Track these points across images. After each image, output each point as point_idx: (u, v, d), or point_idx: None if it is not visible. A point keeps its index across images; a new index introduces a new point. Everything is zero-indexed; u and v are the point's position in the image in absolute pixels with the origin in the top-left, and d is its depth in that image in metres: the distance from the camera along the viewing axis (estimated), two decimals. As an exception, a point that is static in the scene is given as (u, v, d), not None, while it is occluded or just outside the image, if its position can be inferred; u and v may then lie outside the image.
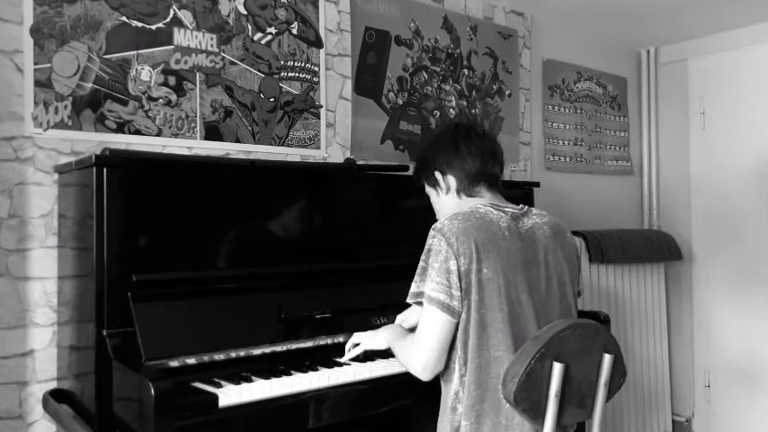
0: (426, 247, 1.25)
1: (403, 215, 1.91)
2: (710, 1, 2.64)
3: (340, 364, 1.44)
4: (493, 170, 1.37)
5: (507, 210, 1.31)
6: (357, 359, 1.48)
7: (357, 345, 1.48)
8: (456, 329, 1.22)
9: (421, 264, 1.25)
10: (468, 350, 1.21)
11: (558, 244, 1.32)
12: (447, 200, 1.39)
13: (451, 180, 1.37)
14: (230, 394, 1.25)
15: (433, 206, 1.45)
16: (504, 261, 1.22)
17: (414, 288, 1.26)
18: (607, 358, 1.23)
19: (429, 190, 1.44)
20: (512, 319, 1.21)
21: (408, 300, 1.27)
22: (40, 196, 1.56)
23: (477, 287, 1.20)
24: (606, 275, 2.69)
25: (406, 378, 1.32)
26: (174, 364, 1.33)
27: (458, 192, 1.37)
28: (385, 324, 1.64)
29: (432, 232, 1.26)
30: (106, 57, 1.65)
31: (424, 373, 1.23)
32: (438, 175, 1.38)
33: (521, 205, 1.35)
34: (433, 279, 1.21)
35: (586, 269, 2.60)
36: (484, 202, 1.32)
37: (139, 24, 1.71)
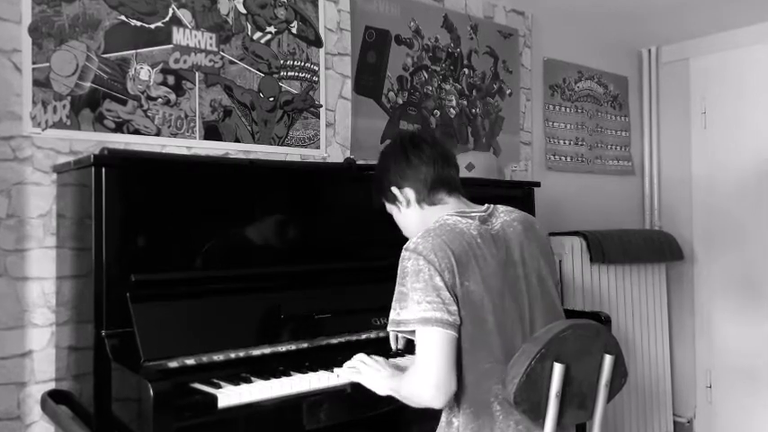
0: (400, 269, 1.19)
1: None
2: (712, 0, 2.63)
3: (338, 366, 1.43)
4: (449, 174, 1.34)
5: (474, 214, 1.27)
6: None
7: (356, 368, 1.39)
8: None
9: (398, 288, 1.19)
10: (461, 365, 1.18)
11: (530, 239, 1.28)
12: (410, 213, 1.34)
13: (409, 192, 1.33)
14: (229, 395, 1.25)
15: (397, 223, 1.41)
16: (482, 270, 1.19)
17: (393, 315, 1.19)
18: (608, 359, 1.22)
19: (390, 207, 1.39)
20: (499, 329, 1.18)
21: (389, 328, 1.20)
22: (38, 196, 1.56)
23: (464, 301, 1.17)
24: (607, 276, 2.68)
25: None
26: (173, 364, 1.32)
27: (418, 202, 1.32)
28: (384, 325, 1.63)
29: (405, 253, 1.20)
30: (105, 56, 1.65)
31: (438, 393, 1.14)
32: (395, 190, 1.34)
33: (486, 205, 1.32)
34: (422, 300, 1.14)
35: (587, 269, 2.59)
36: (449, 211, 1.28)
37: (138, 23, 1.70)
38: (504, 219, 1.29)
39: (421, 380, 1.16)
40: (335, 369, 1.41)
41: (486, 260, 1.20)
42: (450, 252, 1.17)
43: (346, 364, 1.41)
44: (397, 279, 1.21)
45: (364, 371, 1.37)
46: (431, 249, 1.17)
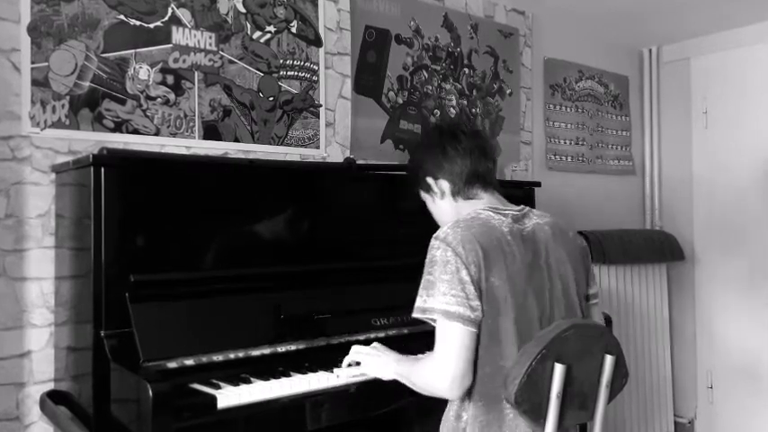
0: (429, 257, 1.20)
1: (403, 215, 1.89)
2: (713, -1, 2.62)
3: (338, 366, 1.42)
4: (485, 168, 1.33)
5: (507, 212, 1.28)
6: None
7: (357, 363, 1.40)
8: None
9: (426, 276, 1.20)
10: (477, 359, 1.18)
11: (559, 244, 1.28)
12: (443, 204, 1.36)
13: (444, 184, 1.34)
14: (229, 396, 1.24)
15: (430, 212, 1.41)
16: (509, 267, 1.19)
17: (420, 303, 1.19)
18: (609, 359, 1.22)
19: (424, 196, 1.41)
20: (518, 328, 1.18)
21: (415, 314, 1.20)
22: (37, 196, 1.55)
23: (487, 296, 1.17)
24: (608, 276, 2.68)
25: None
26: (172, 365, 1.31)
27: (453, 195, 1.34)
28: (385, 325, 1.63)
29: (434, 242, 1.21)
30: (104, 55, 1.64)
31: (453, 386, 1.15)
32: (430, 180, 1.35)
33: (521, 206, 1.32)
34: (447, 292, 1.15)
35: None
36: (482, 206, 1.29)
37: (137, 23, 1.70)
38: (536, 221, 1.29)
39: (438, 372, 1.17)
40: (335, 369, 1.40)
41: (513, 258, 1.20)
42: (479, 246, 1.17)
43: (345, 360, 1.40)
44: (425, 266, 1.21)
45: (366, 360, 1.37)
46: (460, 241, 1.17)
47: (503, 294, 1.17)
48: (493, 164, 1.36)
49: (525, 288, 1.20)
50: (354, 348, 1.41)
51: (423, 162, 1.37)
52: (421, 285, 1.21)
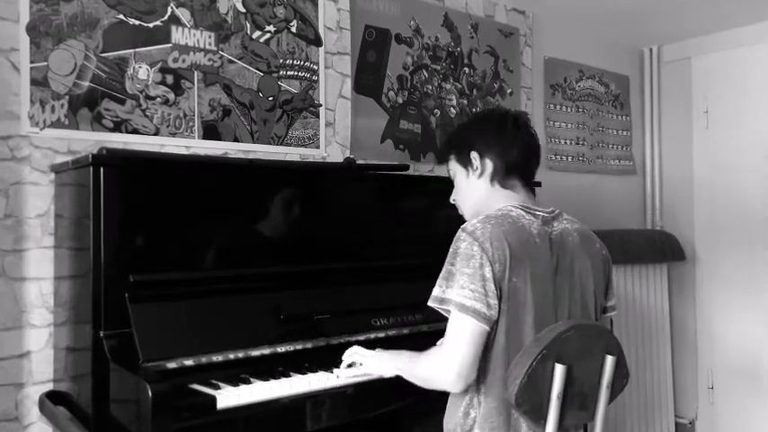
0: (453, 248, 1.17)
1: (403, 215, 1.89)
2: (714, -1, 2.62)
3: (338, 367, 1.42)
4: (532, 167, 1.31)
5: (539, 213, 1.25)
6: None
7: (357, 363, 1.39)
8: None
9: (447, 267, 1.17)
10: (490, 359, 1.17)
11: (585, 253, 1.26)
12: (478, 183, 1.30)
13: (488, 164, 1.28)
14: (228, 396, 1.24)
15: (456, 188, 1.35)
16: (533, 270, 1.17)
17: (437, 292, 1.17)
18: (609, 360, 1.21)
19: (457, 168, 1.34)
20: (535, 332, 1.17)
21: (431, 303, 1.18)
22: (36, 196, 1.55)
23: (508, 296, 1.15)
24: (608, 276, 2.67)
25: (405, 380, 1.29)
26: (171, 365, 1.31)
27: (492, 178, 1.28)
28: (385, 325, 1.63)
29: (461, 234, 1.18)
30: (103, 55, 1.64)
31: (459, 379, 1.14)
32: (475, 155, 1.29)
33: (551, 208, 1.29)
34: (466, 286, 1.13)
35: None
36: (516, 203, 1.25)
37: (137, 22, 1.70)
38: (565, 226, 1.27)
39: (445, 364, 1.15)
40: (335, 370, 1.40)
41: (539, 261, 1.18)
42: (507, 245, 1.15)
43: (344, 360, 1.39)
44: (448, 257, 1.18)
45: (366, 360, 1.36)
46: (488, 237, 1.15)
47: (524, 297, 1.16)
48: (537, 168, 1.33)
49: (546, 292, 1.19)
50: (350, 350, 1.40)
51: (474, 135, 1.31)
52: (440, 275, 1.18)
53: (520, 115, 1.34)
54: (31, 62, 1.54)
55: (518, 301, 1.16)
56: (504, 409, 1.18)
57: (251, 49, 1.90)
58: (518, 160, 1.28)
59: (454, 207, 1.40)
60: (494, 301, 1.13)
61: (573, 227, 1.28)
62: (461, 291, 1.14)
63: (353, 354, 1.39)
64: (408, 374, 1.26)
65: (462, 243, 1.17)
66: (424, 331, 1.65)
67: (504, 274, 1.14)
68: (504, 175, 1.28)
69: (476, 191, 1.31)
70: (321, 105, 2.05)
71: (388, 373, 1.31)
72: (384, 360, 1.33)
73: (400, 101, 2.27)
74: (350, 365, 1.39)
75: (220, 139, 1.83)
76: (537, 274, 1.17)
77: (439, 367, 1.17)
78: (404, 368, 1.27)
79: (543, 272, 1.18)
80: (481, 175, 1.29)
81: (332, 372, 1.40)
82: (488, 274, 1.13)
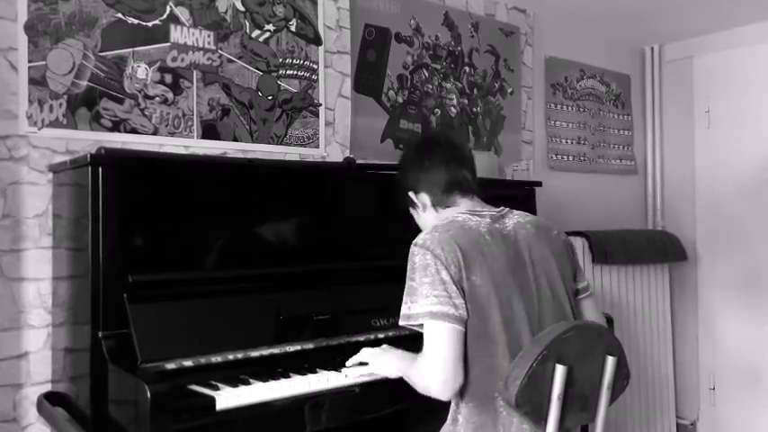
0: (410, 264, 1.22)
1: (403, 215, 1.88)
2: (715, -2, 2.61)
3: (338, 367, 1.41)
4: (462, 175, 1.35)
5: (485, 213, 1.29)
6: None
7: (364, 363, 1.40)
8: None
9: (408, 283, 1.21)
10: (466, 360, 1.18)
11: (542, 241, 1.29)
12: (427, 216, 1.38)
13: (424, 197, 1.37)
14: (228, 397, 1.23)
15: (418, 225, 1.44)
16: (490, 266, 1.20)
17: (404, 310, 1.21)
18: (610, 360, 1.21)
19: (411, 211, 1.44)
20: (505, 326, 1.18)
21: (401, 323, 1.22)
22: (34, 196, 1.55)
23: (470, 296, 1.17)
24: (609, 276, 2.66)
25: (405, 381, 1.29)
26: (170, 366, 1.31)
27: (434, 206, 1.36)
28: (385, 326, 1.62)
29: (413, 248, 1.23)
30: (102, 54, 1.63)
31: (445, 388, 1.17)
32: (411, 194, 1.39)
33: (500, 207, 1.34)
34: (429, 294, 1.17)
35: (589, 270, 2.57)
36: (461, 211, 1.30)
37: (135, 21, 1.69)
38: (517, 220, 1.31)
39: (429, 374, 1.18)
40: (343, 369, 1.40)
41: (493, 257, 1.21)
42: (457, 246, 1.19)
43: (353, 359, 1.40)
44: (407, 273, 1.23)
45: (373, 359, 1.38)
46: (437, 244, 1.19)
47: (485, 293, 1.18)
48: (470, 171, 1.38)
49: (509, 286, 1.21)
50: (363, 350, 1.42)
51: (404, 177, 1.41)
52: (404, 293, 1.22)
53: (432, 137, 1.45)
54: (30, 61, 1.53)
55: (480, 298, 1.18)
56: (485, 407, 1.18)
57: (250, 48, 1.90)
58: (446, 180, 1.34)
59: None
60: (459, 301, 1.17)
61: (525, 219, 1.32)
62: (426, 300, 1.17)
63: (364, 353, 1.41)
64: (407, 378, 1.28)
65: (416, 257, 1.21)
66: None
67: (461, 274, 1.18)
68: (441, 198, 1.35)
69: (428, 221, 1.38)
70: (321, 105, 2.05)
71: (391, 373, 1.34)
72: (389, 361, 1.35)
73: (400, 100, 2.26)
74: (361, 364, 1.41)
75: (219, 139, 1.83)
76: (494, 270, 1.20)
77: (424, 379, 1.20)
78: (405, 371, 1.29)
79: (500, 266, 1.21)
80: (425, 208, 1.38)
81: (332, 372, 1.40)
82: (446, 278, 1.17)
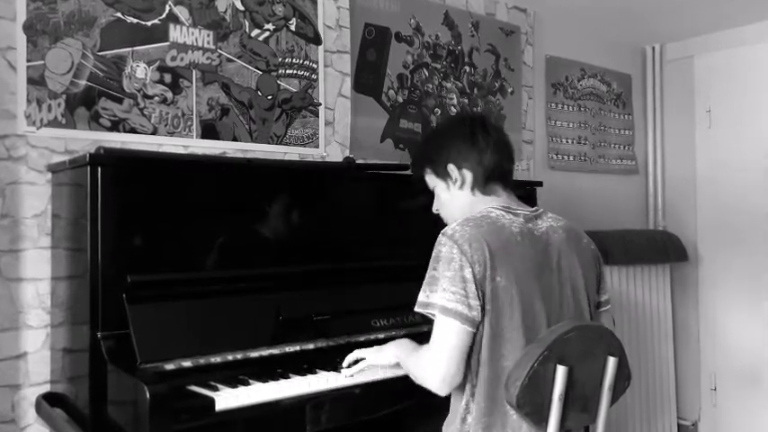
0: (435, 253, 1.19)
1: (403, 215, 1.88)
2: (716, -3, 2.60)
3: (338, 368, 1.41)
4: (508, 166, 1.32)
5: (519, 212, 1.26)
6: (356, 362, 1.45)
7: (361, 359, 1.40)
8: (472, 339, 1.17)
9: (430, 272, 1.19)
10: (479, 361, 1.17)
11: (572, 249, 1.26)
12: (460, 195, 1.31)
13: (467, 174, 1.29)
14: (227, 398, 1.23)
15: (438, 200, 1.36)
16: (517, 268, 1.17)
17: (422, 297, 1.18)
18: (611, 361, 1.20)
19: (437, 182, 1.35)
20: (525, 329, 1.16)
21: (417, 309, 1.20)
22: (33, 196, 1.54)
23: (492, 296, 1.15)
24: (611, 277, 2.66)
25: (406, 382, 1.29)
26: (169, 366, 1.30)
27: (472, 187, 1.29)
28: (385, 326, 1.61)
29: (441, 238, 1.19)
30: (100, 54, 1.63)
31: (443, 385, 1.16)
32: (452, 167, 1.30)
33: (535, 207, 1.30)
34: (447, 288, 1.14)
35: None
36: (497, 204, 1.26)
37: (134, 20, 1.68)
38: (550, 223, 1.28)
39: (430, 368, 1.17)
40: (343, 370, 1.39)
41: (522, 259, 1.19)
42: (486, 245, 1.16)
43: (346, 360, 1.40)
44: (431, 262, 1.20)
45: (366, 354, 1.38)
46: (467, 239, 1.16)
47: (509, 294, 1.16)
48: (513, 165, 1.35)
49: (533, 289, 1.19)
50: (357, 350, 1.41)
51: (448, 148, 1.31)
52: (425, 281, 1.20)
53: (484, 118, 1.36)
54: (28, 61, 1.53)
55: (503, 299, 1.16)
56: (495, 408, 1.17)
57: (250, 47, 1.89)
58: (494, 165, 1.29)
59: None
60: (475, 302, 1.14)
61: (558, 224, 1.29)
62: (444, 294, 1.15)
63: (356, 352, 1.40)
64: (404, 365, 1.29)
65: (443, 247, 1.18)
66: (424, 332, 1.61)
67: (486, 274, 1.15)
68: (483, 183, 1.29)
69: (458, 201, 1.32)
70: (320, 104, 2.04)
71: (389, 360, 1.34)
72: (387, 349, 1.36)
73: (400, 100, 2.26)
74: (354, 363, 1.40)
75: (219, 139, 1.82)
76: (521, 272, 1.18)
77: (425, 370, 1.19)
78: (402, 358, 1.30)
79: (527, 269, 1.19)
80: (462, 185, 1.31)
81: (331, 373, 1.39)
82: (468, 276, 1.14)
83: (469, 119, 1.36)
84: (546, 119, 2.79)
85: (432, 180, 1.37)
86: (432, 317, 1.18)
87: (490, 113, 2.54)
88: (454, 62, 2.42)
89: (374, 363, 1.37)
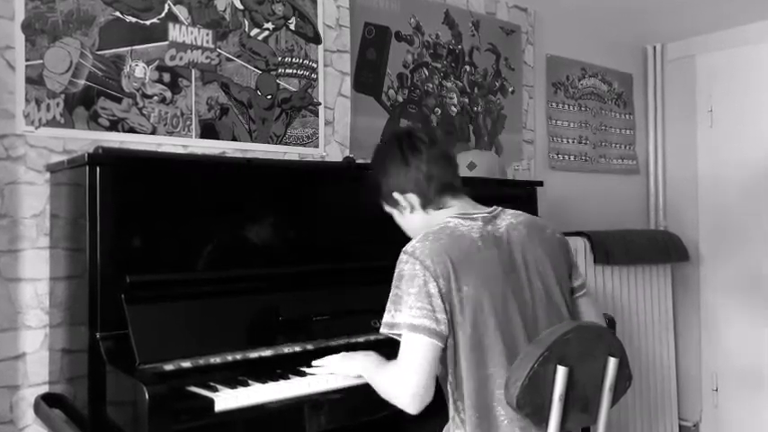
0: (397, 272, 1.18)
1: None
2: (718, -4, 2.60)
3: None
4: (451, 175, 1.31)
5: (477, 216, 1.25)
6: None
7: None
8: (443, 354, 1.16)
9: (393, 291, 1.18)
10: (459, 373, 1.16)
11: (535, 242, 1.25)
12: (414, 217, 1.32)
13: (413, 197, 1.29)
14: (226, 398, 1.22)
15: (398, 224, 1.38)
16: (483, 274, 1.17)
17: (387, 318, 1.17)
18: (612, 362, 1.20)
19: (392, 210, 1.36)
20: (501, 333, 1.16)
21: (383, 330, 1.19)
22: (31, 196, 1.54)
23: (460, 307, 1.15)
24: (611, 277, 2.65)
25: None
26: (168, 367, 1.30)
27: (423, 207, 1.29)
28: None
29: (403, 256, 1.19)
30: (99, 53, 1.62)
31: (413, 402, 1.14)
32: (397, 195, 1.31)
33: (493, 207, 1.30)
34: (413, 305, 1.14)
35: (591, 270, 2.55)
36: (453, 213, 1.26)
37: (133, 20, 1.68)
38: (509, 221, 1.27)
39: (399, 385, 1.16)
40: (307, 369, 1.38)
41: (486, 263, 1.19)
42: (448, 257, 1.16)
43: (313, 365, 1.39)
44: (393, 281, 1.20)
45: (332, 362, 1.36)
46: (428, 254, 1.16)
47: (479, 301, 1.15)
48: (456, 169, 1.33)
49: (503, 291, 1.18)
50: (326, 358, 1.39)
51: (386, 175, 1.31)
52: (389, 300, 1.19)
53: (411, 133, 1.34)
54: (27, 60, 1.52)
55: (474, 307, 1.15)
56: (485, 417, 1.16)
57: (249, 46, 1.89)
58: (435, 179, 1.28)
59: None
60: (442, 316, 1.14)
61: (517, 220, 1.28)
62: (410, 311, 1.14)
63: (323, 360, 1.39)
64: (370, 380, 1.26)
65: (405, 265, 1.18)
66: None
67: (451, 286, 1.14)
68: (432, 200, 1.29)
69: (415, 224, 1.32)
70: (320, 104, 2.04)
71: (352, 372, 1.32)
72: (350, 358, 1.34)
73: (400, 99, 2.25)
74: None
75: (218, 138, 1.82)
76: (488, 276, 1.17)
77: (394, 389, 1.17)
78: (368, 373, 1.27)
79: (494, 272, 1.18)
80: (413, 210, 1.31)
81: (331, 374, 1.38)
82: (434, 290, 1.14)
83: (396, 140, 1.33)
84: (547, 118, 2.78)
85: (387, 209, 1.38)
86: (397, 338, 1.17)
87: (490, 113, 2.54)
88: (454, 61, 2.41)
89: (337, 372, 1.35)
